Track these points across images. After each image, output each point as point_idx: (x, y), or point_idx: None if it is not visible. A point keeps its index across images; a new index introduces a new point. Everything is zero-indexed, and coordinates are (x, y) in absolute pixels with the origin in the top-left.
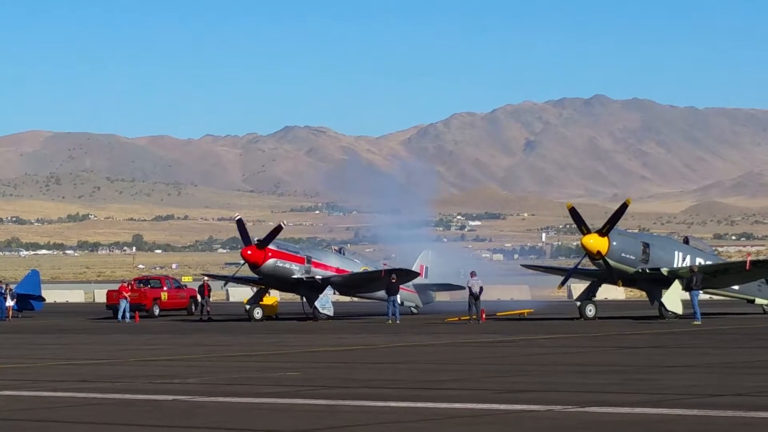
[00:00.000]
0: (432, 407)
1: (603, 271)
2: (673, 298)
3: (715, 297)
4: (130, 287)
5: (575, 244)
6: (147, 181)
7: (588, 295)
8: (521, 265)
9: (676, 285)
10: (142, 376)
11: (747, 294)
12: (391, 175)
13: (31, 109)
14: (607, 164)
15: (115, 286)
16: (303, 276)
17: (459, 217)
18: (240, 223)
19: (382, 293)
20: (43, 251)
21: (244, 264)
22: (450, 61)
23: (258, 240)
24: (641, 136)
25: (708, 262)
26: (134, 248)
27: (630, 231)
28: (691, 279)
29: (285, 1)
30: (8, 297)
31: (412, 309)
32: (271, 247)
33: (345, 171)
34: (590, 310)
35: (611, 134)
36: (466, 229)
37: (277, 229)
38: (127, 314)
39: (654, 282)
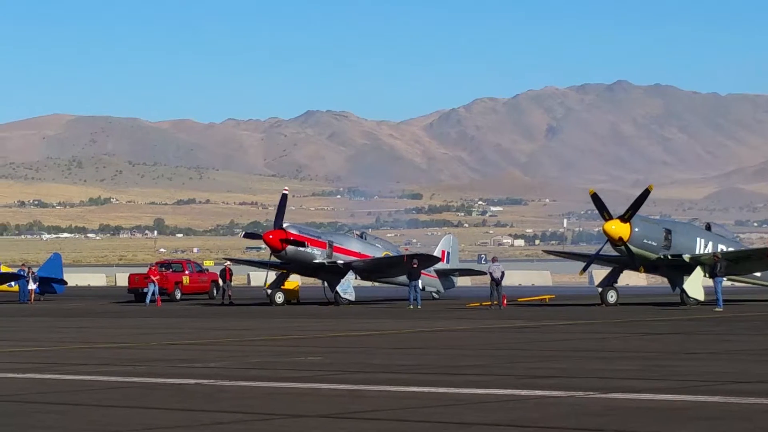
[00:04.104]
0: (454, 392)
1: (625, 258)
2: (695, 284)
3: (736, 284)
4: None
5: (597, 230)
6: (169, 165)
7: (609, 282)
8: (543, 250)
9: (698, 271)
10: (164, 359)
11: None
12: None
13: (54, 93)
14: (629, 150)
15: (137, 270)
16: (325, 261)
17: (480, 202)
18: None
19: (403, 278)
20: (65, 235)
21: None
22: (472, 46)
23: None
24: (663, 122)
25: (730, 249)
26: (155, 232)
27: (652, 217)
28: (715, 266)
29: None
30: (30, 280)
31: (434, 294)
32: (292, 231)
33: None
34: (612, 297)
35: (633, 120)
36: (487, 215)
37: (283, 199)
38: (147, 298)
39: (676, 268)
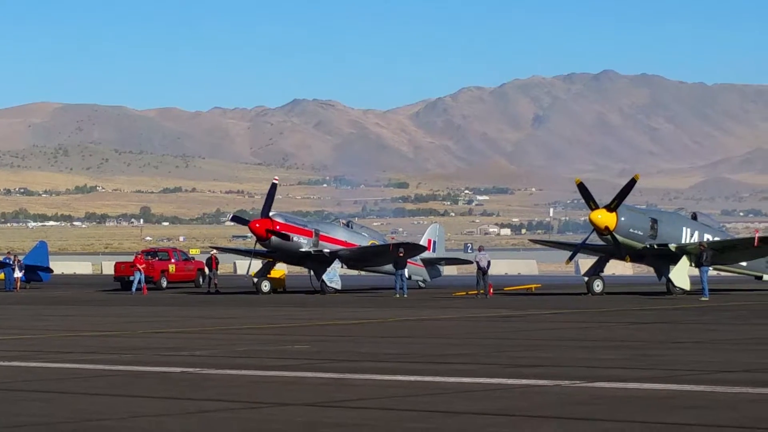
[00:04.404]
0: (440, 381)
1: (611, 247)
2: (681, 274)
3: (722, 273)
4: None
5: (583, 219)
6: (155, 154)
7: (596, 271)
8: (529, 240)
9: (684, 261)
10: (150, 348)
11: (755, 270)
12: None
13: (40, 81)
14: (616, 140)
15: (123, 258)
16: (311, 249)
17: (466, 191)
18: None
19: (389, 267)
20: (51, 223)
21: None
22: (459, 35)
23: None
24: (650, 111)
25: (716, 238)
26: (142, 220)
27: (638, 207)
28: (701, 255)
29: None
30: (16, 268)
31: (420, 283)
32: (278, 220)
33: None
34: (598, 286)
35: (620, 110)
36: (473, 204)
37: (272, 189)
38: (134, 286)
39: (662, 258)
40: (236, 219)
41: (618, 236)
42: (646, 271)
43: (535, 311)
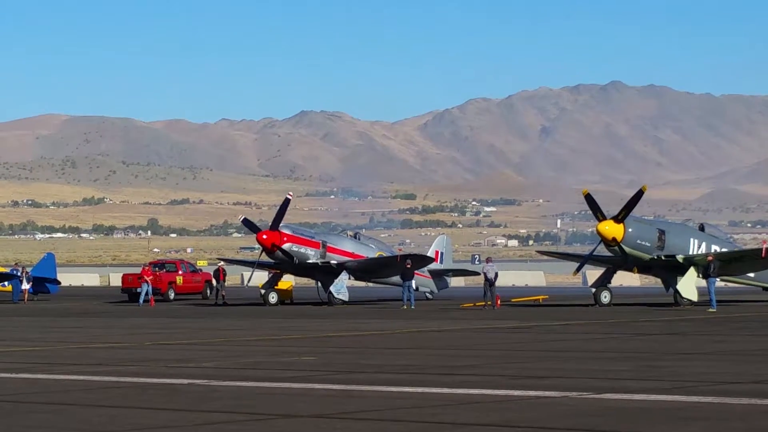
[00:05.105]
0: (447, 393)
1: (618, 258)
2: (689, 285)
3: (730, 284)
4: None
5: (590, 230)
6: (162, 165)
7: (603, 282)
8: (536, 251)
9: (692, 272)
10: (158, 359)
11: (762, 281)
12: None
13: (48, 93)
14: (623, 151)
15: (131, 270)
16: (318, 261)
17: (474, 202)
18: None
19: (397, 278)
20: (59, 234)
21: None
22: (466, 46)
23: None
24: (657, 122)
25: (723, 250)
26: (149, 232)
27: (646, 218)
28: (708, 266)
29: None
30: (24, 280)
31: (427, 294)
32: (286, 231)
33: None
34: (605, 297)
35: (627, 121)
36: (481, 215)
37: (285, 204)
38: (141, 298)
39: (669, 269)
40: (247, 222)
41: (625, 247)
42: (653, 282)
43: (542, 323)
